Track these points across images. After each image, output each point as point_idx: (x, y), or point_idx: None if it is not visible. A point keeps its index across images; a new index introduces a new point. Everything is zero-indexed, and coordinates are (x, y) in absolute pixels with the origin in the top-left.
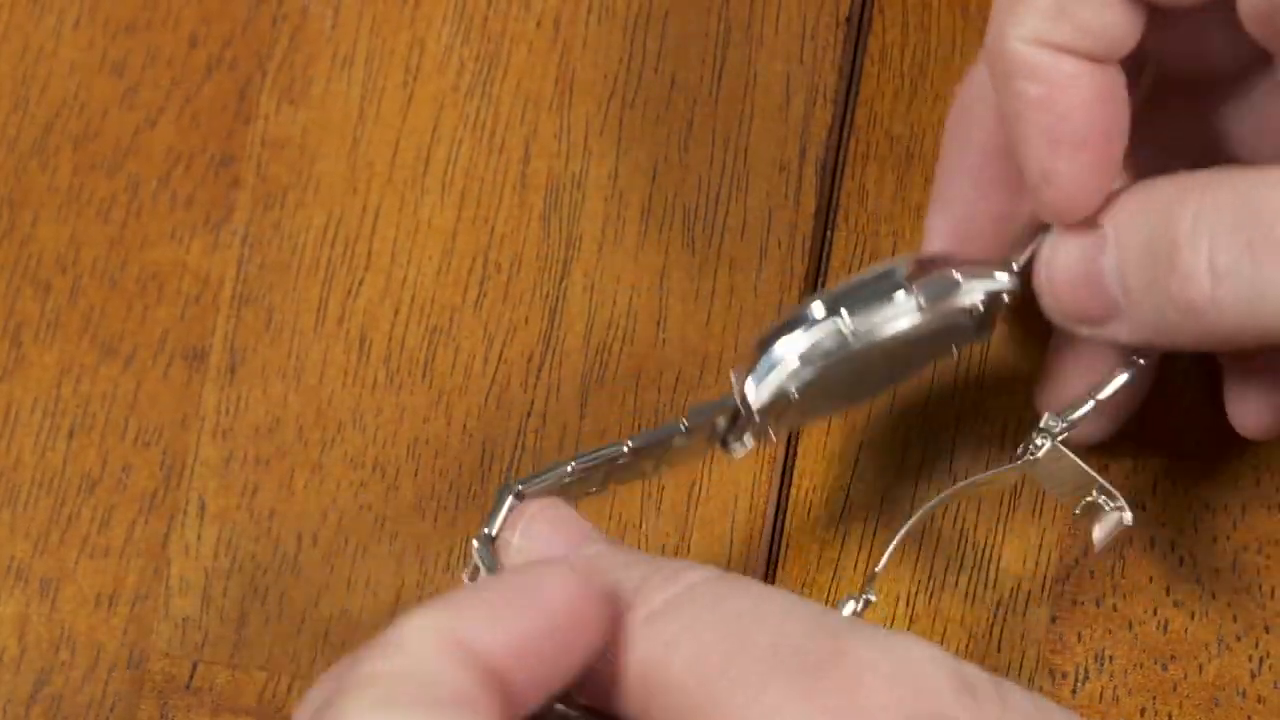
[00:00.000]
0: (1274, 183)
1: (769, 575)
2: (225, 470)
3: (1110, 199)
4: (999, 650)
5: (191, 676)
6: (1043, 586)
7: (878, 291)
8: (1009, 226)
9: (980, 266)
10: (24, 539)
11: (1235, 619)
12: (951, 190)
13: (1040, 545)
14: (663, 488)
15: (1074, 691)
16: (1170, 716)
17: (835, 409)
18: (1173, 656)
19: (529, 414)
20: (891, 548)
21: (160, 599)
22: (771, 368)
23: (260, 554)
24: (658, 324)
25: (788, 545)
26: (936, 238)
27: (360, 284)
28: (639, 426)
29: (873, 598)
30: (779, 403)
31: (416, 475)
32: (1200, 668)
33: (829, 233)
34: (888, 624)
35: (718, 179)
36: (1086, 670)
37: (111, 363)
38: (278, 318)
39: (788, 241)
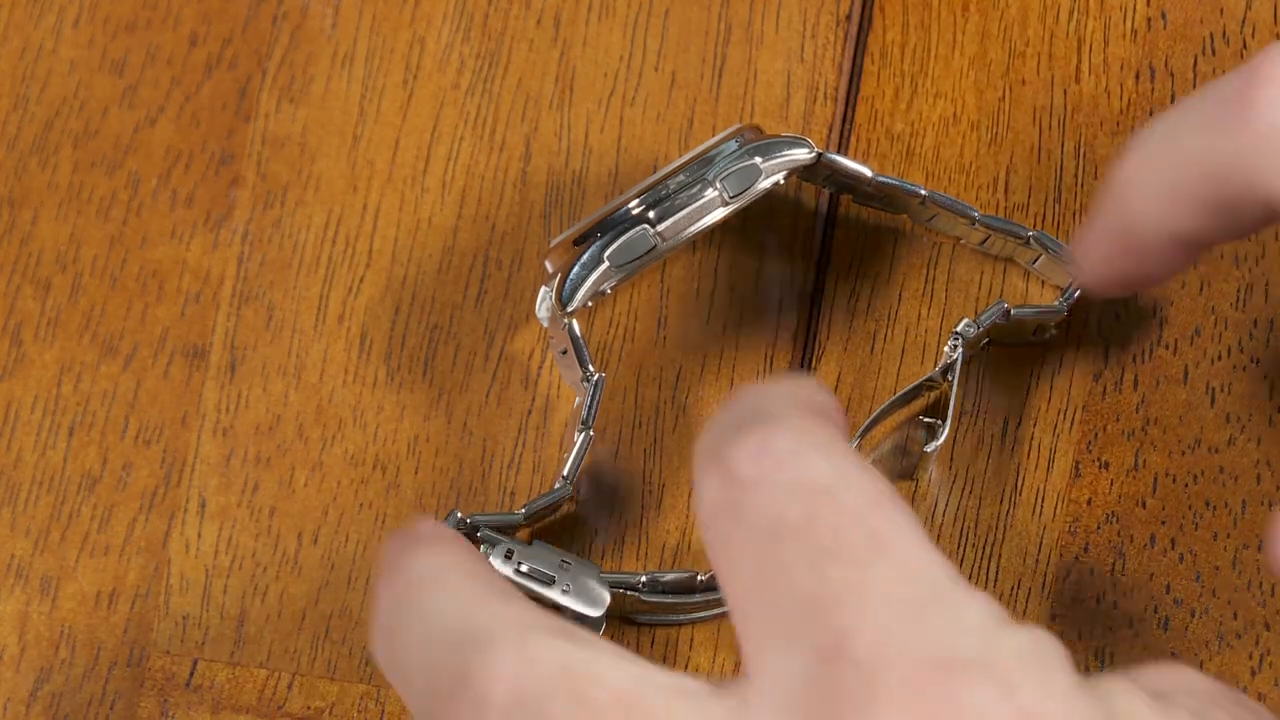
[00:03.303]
0: None
1: None
2: (226, 468)
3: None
4: None
5: (192, 674)
6: (1043, 584)
7: (687, 187)
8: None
9: (786, 143)
10: (24, 537)
11: (1235, 616)
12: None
13: (1040, 543)
14: (663, 486)
15: None
16: None
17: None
18: (1173, 654)
19: (529, 411)
20: None
21: (160, 597)
22: (585, 273)
23: (260, 552)
24: (658, 323)
25: None
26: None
27: (361, 282)
28: (639, 424)
29: None
30: (594, 296)
31: (417, 473)
32: (1201, 665)
33: (829, 230)
34: None
35: None
36: (1087, 668)
37: (112, 361)
38: (278, 316)
39: (788, 239)
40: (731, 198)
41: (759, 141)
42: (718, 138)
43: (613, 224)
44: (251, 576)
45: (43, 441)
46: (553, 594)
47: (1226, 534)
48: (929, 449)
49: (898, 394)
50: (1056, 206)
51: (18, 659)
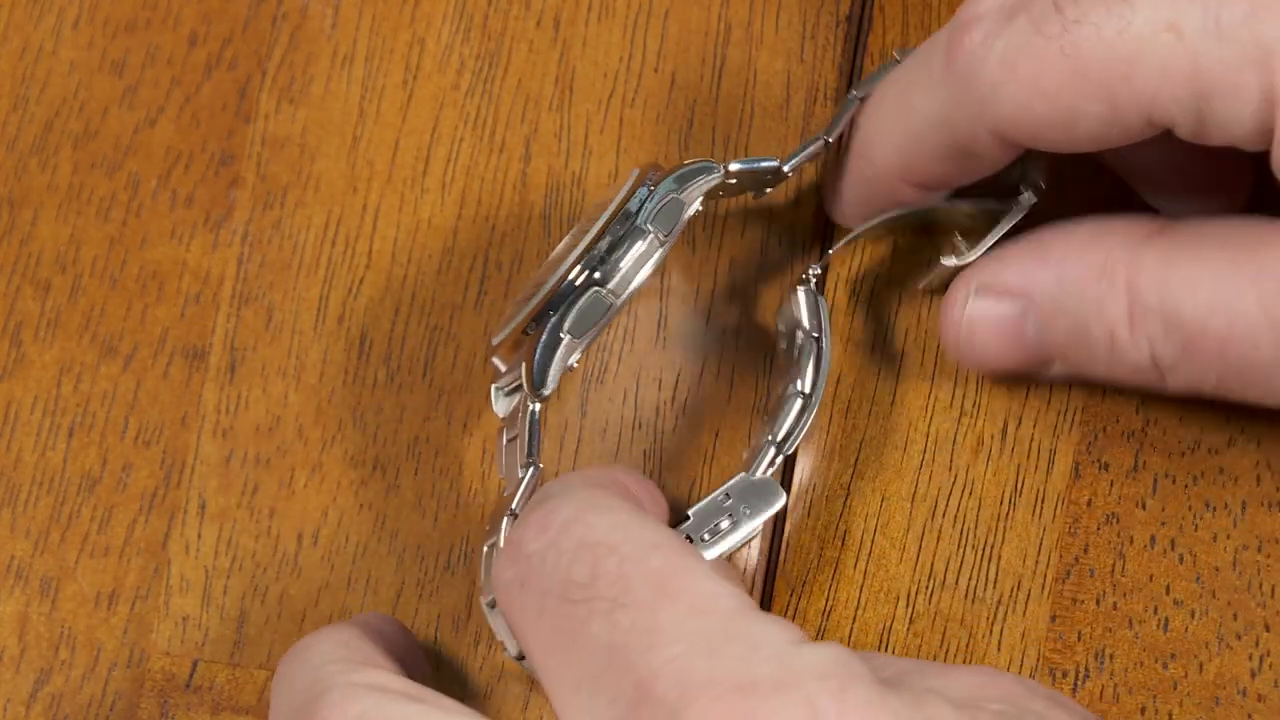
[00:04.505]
0: (1198, 282)
1: (769, 575)
2: (225, 469)
3: (1012, 256)
4: (999, 650)
5: (192, 675)
6: (1043, 585)
7: (621, 240)
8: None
9: (695, 170)
10: (24, 538)
11: (1235, 617)
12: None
13: (1040, 544)
14: (663, 486)
15: (1074, 690)
16: (1170, 715)
17: None
18: (1173, 655)
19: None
20: (841, 244)
21: (160, 598)
22: (550, 353)
23: (260, 553)
24: (658, 324)
25: (787, 545)
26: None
27: (360, 283)
28: (639, 425)
29: (818, 271)
30: (563, 373)
31: (417, 474)
32: (1200, 666)
33: (829, 230)
34: (886, 624)
35: None
36: (1087, 669)
37: (112, 362)
38: (278, 316)
39: (788, 239)
40: (665, 236)
41: (670, 175)
42: (625, 189)
43: (559, 300)
44: (251, 577)
45: (43, 442)
46: (739, 533)
47: (1226, 535)
48: (945, 262)
49: (954, 201)
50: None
51: (18, 660)
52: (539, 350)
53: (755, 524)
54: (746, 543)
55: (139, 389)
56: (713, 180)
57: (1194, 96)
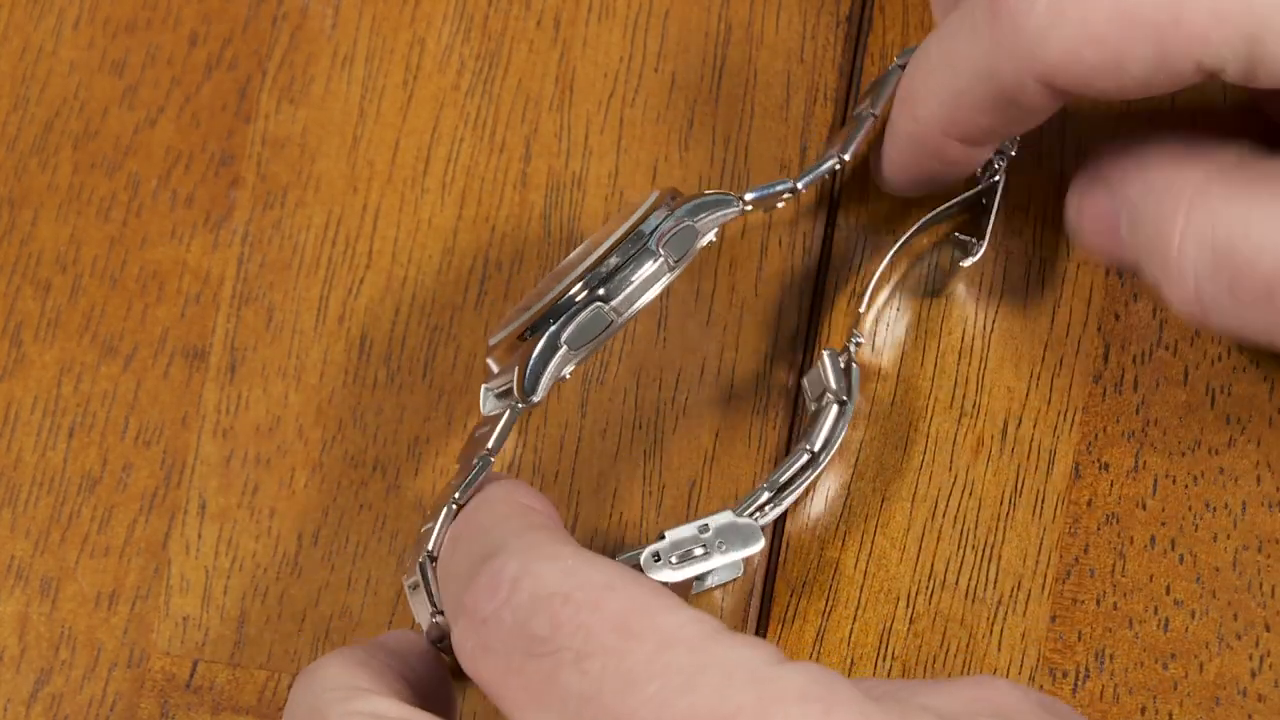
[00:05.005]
0: (1252, 220)
1: (769, 575)
2: (226, 469)
3: (1118, 154)
4: (999, 650)
5: (192, 675)
6: (1043, 585)
7: (630, 260)
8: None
9: (713, 202)
10: (24, 538)
11: (1236, 618)
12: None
13: (1040, 544)
14: (663, 486)
15: (1074, 690)
16: (1171, 715)
17: None
18: (1173, 655)
19: (529, 413)
20: (874, 280)
21: (161, 598)
22: (545, 361)
23: (261, 553)
24: (658, 324)
25: (788, 545)
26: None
27: (361, 283)
28: (640, 425)
29: (861, 339)
30: (555, 381)
31: (417, 474)
32: (1201, 666)
33: (829, 231)
34: (886, 624)
35: (718, 178)
36: (1087, 669)
37: (112, 362)
38: (278, 317)
39: (788, 240)
40: (675, 262)
41: (688, 203)
42: (642, 210)
43: (560, 310)
44: (252, 577)
45: (43, 442)
46: (708, 563)
47: (1226, 535)
48: (964, 264)
49: (937, 210)
50: (1058, 206)
51: (18, 660)
52: (534, 356)
53: (727, 559)
54: (723, 585)
55: (139, 389)
56: (730, 214)
57: (1245, 39)
